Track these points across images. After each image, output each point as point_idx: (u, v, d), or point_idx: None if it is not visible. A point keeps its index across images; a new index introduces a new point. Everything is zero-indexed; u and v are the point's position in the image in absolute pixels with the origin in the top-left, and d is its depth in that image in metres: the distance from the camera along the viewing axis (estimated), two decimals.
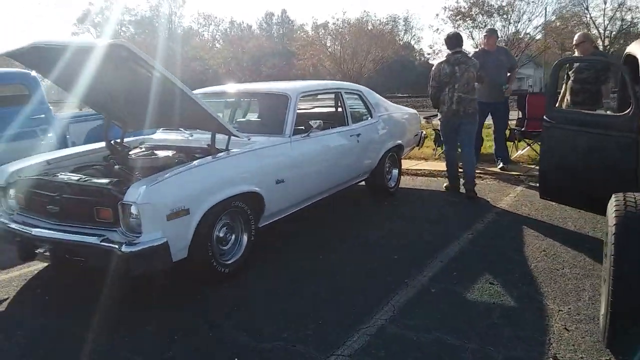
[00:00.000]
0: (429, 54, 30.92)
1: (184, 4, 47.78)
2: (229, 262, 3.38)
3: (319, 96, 5.25)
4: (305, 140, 4.11)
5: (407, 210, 5.03)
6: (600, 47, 27.04)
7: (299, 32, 38.74)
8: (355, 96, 5.17)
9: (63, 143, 5.89)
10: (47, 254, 3.07)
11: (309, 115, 4.95)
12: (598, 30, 26.98)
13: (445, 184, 5.76)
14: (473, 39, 23.66)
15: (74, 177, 3.28)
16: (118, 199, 2.91)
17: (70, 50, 3.03)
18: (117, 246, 2.76)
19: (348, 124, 4.79)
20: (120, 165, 3.57)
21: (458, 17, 23.07)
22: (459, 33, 5.35)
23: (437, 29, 26.41)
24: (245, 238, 3.51)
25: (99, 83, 3.53)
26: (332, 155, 4.45)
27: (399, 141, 5.61)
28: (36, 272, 3.74)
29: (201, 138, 4.17)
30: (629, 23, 31.38)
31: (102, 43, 2.80)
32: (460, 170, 5.54)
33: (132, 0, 63.65)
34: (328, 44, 29.07)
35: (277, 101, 4.28)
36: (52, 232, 3.06)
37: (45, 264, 3.70)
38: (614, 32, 32.10)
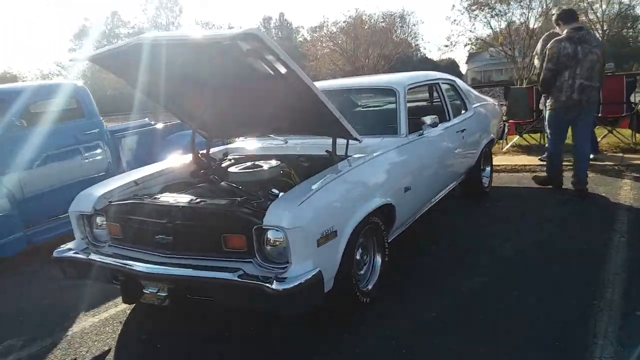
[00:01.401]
0: (424, 48, 30.31)
1: (181, 14, 47.39)
2: (367, 289, 2.83)
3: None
4: (421, 139, 3.56)
5: (518, 212, 4.45)
6: (600, 32, 26.25)
7: (301, 33, 38.30)
8: (449, 86, 4.61)
9: (116, 158, 5.36)
10: (162, 294, 2.53)
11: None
12: (596, 15, 26.28)
13: (536, 178, 5.19)
14: (492, 28, 23.05)
15: (184, 198, 2.73)
16: (253, 223, 2.37)
17: (183, 46, 2.50)
18: (265, 283, 2.21)
19: (449, 119, 4.23)
20: (227, 182, 3.03)
21: (475, 7, 22.44)
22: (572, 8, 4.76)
23: (455, 20, 25.67)
24: (379, 259, 2.96)
25: (200, 84, 3.01)
26: (443, 155, 3.89)
27: (492, 135, 5.05)
28: (127, 310, 3.21)
29: (301, 144, 3.64)
30: (627, 6, 30.70)
31: (231, 33, 2.25)
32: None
33: (129, 12, 63.24)
34: (339, 41, 28.51)
35: (383, 96, 3.74)
36: (169, 267, 2.51)
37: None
38: (611, 17, 31.43)
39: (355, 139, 3.06)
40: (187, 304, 2.65)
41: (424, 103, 4.69)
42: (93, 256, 2.84)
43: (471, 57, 46.97)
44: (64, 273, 3.03)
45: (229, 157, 3.76)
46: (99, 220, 3.02)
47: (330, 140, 3.24)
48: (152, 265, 2.54)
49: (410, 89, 3.80)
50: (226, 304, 2.62)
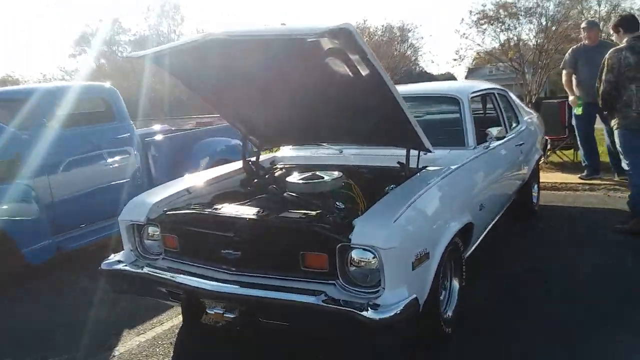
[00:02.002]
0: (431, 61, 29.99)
1: (183, 22, 47.46)
2: (448, 316, 2.59)
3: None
4: (488, 152, 3.34)
5: (573, 235, 4.23)
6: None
7: None
8: (502, 97, 4.39)
9: (145, 165, 5.13)
10: (230, 315, 2.29)
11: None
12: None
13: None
14: (500, 42, 22.98)
15: (250, 210, 2.49)
16: (338, 241, 2.14)
17: (257, 43, 2.28)
18: (358, 311, 1.97)
19: (507, 132, 4.02)
20: (291, 193, 2.79)
21: (484, 21, 22.39)
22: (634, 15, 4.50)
23: (464, 34, 25.55)
24: (456, 283, 2.72)
25: (263, 86, 2.79)
26: (507, 169, 3.67)
27: (540, 150, 4.84)
28: (176, 330, 2.95)
29: (358, 154, 3.41)
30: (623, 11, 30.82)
31: (320, 28, 2.03)
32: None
33: (130, 20, 63.37)
34: None
35: (443, 105, 3.53)
36: (240, 287, 2.26)
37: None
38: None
39: (428, 150, 2.83)
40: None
41: (477, 113, 4.48)
42: (147, 270, 2.60)
43: (471, 72, 46.86)
44: (112, 287, 2.78)
45: (278, 166, 3.53)
46: (151, 230, 2.78)
47: (391, 151, 3.05)
48: (221, 284, 2.29)
49: (473, 97, 3.59)
50: (304, 330, 2.37)
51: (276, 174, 3.32)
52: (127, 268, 2.66)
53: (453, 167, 2.83)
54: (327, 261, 2.17)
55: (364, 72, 2.29)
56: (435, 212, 2.42)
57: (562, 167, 7.08)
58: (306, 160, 3.55)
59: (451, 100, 3.50)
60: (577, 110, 6.00)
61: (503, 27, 22.19)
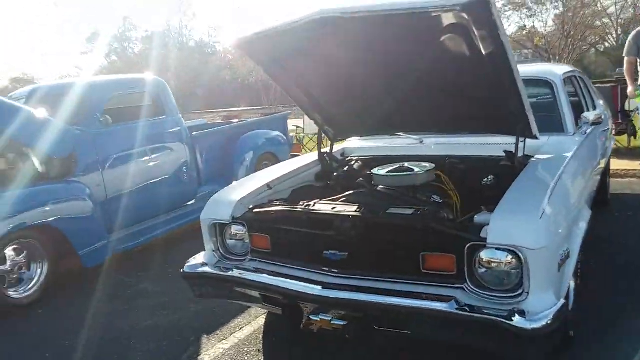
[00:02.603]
0: None
1: (194, 17, 47.26)
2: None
3: None
4: (588, 138, 3.07)
5: None
6: (614, 35, 25.29)
7: None
8: (582, 80, 4.08)
9: (194, 159, 4.92)
10: (339, 322, 2.06)
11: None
12: (610, 19, 25.39)
13: None
14: (525, 27, 22.47)
15: (351, 207, 2.25)
16: (466, 240, 1.90)
17: (380, 19, 2.04)
18: (505, 319, 1.73)
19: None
20: (387, 187, 2.55)
21: (508, 8, 21.88)
22: None
23: None
24: (572, 282, 2.46)
25: (355, 70, 2.56)
26: (600, 157, 3.40)
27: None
28: (260, 335, 2.75)
29: (441, 143, 3.16)
30: None
31: (454, 1, 1.79)
32: None
33: (142, 16, 63.41)
34: None
35: (537, 88, 3.26)
36: (354, 293, 2.03)
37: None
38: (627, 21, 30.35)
39: (535, 137, 2.57)
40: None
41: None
42: (237, 273, 2.39)
43: None
44: (196, 291, 2.58)
45: (352, 158, 3.29)
46: (234, 229, 2.56)
47: (481, 139, 2.82)
48: (333, 290, 2.06)
49: (564, 80, 3.31)
50: (428, 339, 2.15)
51: (355, 167, 3.08)
52: (214, 271, 2.45)
53: (567, 154, 2.56)
54: (454, 263, 1.94)
55: (487, 50, 2.05)
56: (569, 205, 2.16)
57: (617, 153, 6.74)
58: (383, 151, 3.30)
59: (544, 83, 3.23)
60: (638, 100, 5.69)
61: (529, 13, 21.76)
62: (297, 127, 9.77)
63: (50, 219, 3.43)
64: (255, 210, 2.48)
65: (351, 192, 2.57)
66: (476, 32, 1.98)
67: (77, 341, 2.86)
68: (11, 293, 3.29)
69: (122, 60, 41.04)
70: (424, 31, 2.11)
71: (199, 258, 2.62)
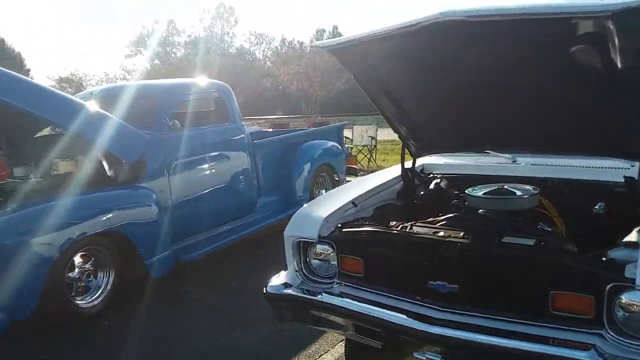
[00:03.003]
0: None
1: (236, 24, 48.16)
2: None
3: None
4: None
5: None
6: None
7: None
8: None
9: (255, 169, 4.80)
10: None
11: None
12: None
13: None
14: None
15: (455, 233, 2.04)
16: (608, 280, 1.65)
17: (509, 24, 1.84)
18: None
19: None
20: (482, 210, 2.33)
21: None
22: None
23: None
24: None
25: (465, 79, 2.36)
26: None
27: None
28: None
29: (537, 164, 2.90)
30: None
31: (611, 6, 1.57)
32: None
33: (185, 21, 65.17)
34: None
35: None
36: (472, 333, 1.81)
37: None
38: None
39: None
40: None
41: None
42: (327, 298, 2.21)
43: None
44: (278, 315, 2.41)
45: (434, 174, 3.08)
46: (319, 249, 2.39)
47: (587, 162, 2.56)
48: (443, 328, 1.85)
49: None
50: None
51: (441, 185, 2.87)
52: (302, 295, 2.28)
53: None
54: (592, 305, 1.69)
55: (625, 63, 1.82)
56: None
57: None
58: (468, 169, 3.07)
59: None
60: None
61: None
62: (347, 137, 9.56)
63: (120, 226, 3.36)
64: (344, 230, 2.30)
65: (450, 215, 2.35)
66: (617, 43, 1.75)
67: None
68: (78, 301, 3.21)
69: (164, 64, 42.18)
70: (553, 39, 1.90)
71: (280, 278, 2.46)
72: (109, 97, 4.18)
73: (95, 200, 3.30)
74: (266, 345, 2.79)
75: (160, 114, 3.93)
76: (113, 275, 3.39)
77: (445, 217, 2.33)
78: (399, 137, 3.00)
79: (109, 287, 3.37)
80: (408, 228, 2.18)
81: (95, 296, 3.31)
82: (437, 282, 1.95)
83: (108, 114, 3.62)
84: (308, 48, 56.12)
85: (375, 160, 9.77)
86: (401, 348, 2.00)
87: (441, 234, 2.06)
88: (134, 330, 3.11)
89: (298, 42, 58.14)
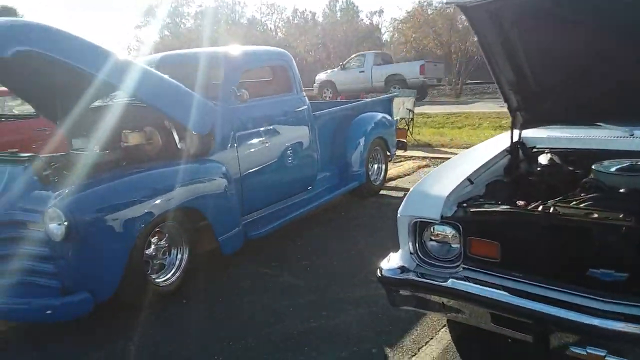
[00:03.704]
0: None
1: None
2: None
3: None
4: None
5: None
6: None
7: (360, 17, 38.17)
8: None
9: (315, 142, 4.58)
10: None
11: None
12: None
13: None
14: None
15: (614, 215, 1.82)
16: None
17: None
18: None
19: None
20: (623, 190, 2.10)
21: None
22: None
23: None
24: None
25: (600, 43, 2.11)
26: None
27: None
28: (449, 349, 2.39)
29: None
30: None
31: None
32: None
33: None
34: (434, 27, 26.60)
35: None
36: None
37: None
38: None
39: None
40: None
41: None
42: (460, 285, 2.02)
43: None
44: (394, 300, 2.24)
45: (540, 149, 2.84)
46: (438, 230, 2.19)
47: None
48: (614, 322, 1.65)
49: None
50: None
51: (556, 161, 2.63)
52: (427, 281, 2.09)
53: None
54: None
55: None
56: None
57: None
58: (578, 143, 2.83)
59: None
60: None
61: None
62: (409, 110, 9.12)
63: (195, 201, 3.18)
64: (473, 210, 2.09)
65: (593, 194, 2.13)
66: None
67: (242, 342, 2.59)
68: (156, 279, 3.07)
69: (174, 36, 41.51)
70: None
71: (393, 260, 2.27)
72: (172, 66, 3.96)
73: (173, 174, 3.11)
74: (362, 329, 2.62)
75: (227, 84, 3.69)
76: (187, 252, 3.24)
77: (588, 196, 2.10)
78: (508, 107, 2.76)
79: (183, 264, 3.22)
80: (551, 209, 1.96)
81: (171, 273, 3.17)
82: (601, 270, 1.75)
83: (178, 83, 3.39)
84: (321, 18, 55.10)
85: (411, 134, 9.49)
86: (551, 341, 1.81)
87: (595, 215, 1.85)
88: (215, 310, 2.97)
89: (310, 12, 56.93)
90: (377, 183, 5.47)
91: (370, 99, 5.91)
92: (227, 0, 49.59)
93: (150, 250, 3.06)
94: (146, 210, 2.85)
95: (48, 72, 3.11)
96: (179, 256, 3.23)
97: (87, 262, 2.66)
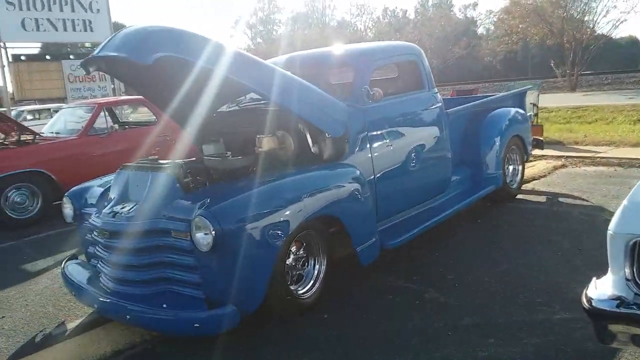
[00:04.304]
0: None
1: None
2: None
3: None
4: None
5: None
6: None
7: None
8: None
9: (448, 142, 4.16)
10: None
11: None
12: None
13: None
14: None
15: None
16: None
17: None
18: None
19: None
20: None
21: None
22: None
23: None
24: None
25: None
26: None
27: None
28: None
29: None
30: None
31: None
32: None
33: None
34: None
35: None
36: None
37: None
38: None
39: None
40: None
41: None
42: None
43: None
44: (603, 336, 1.80)
45: None
46: None
47: None
48: None
49: None
50: None
51: None
52: None
53: None
54: None
55: None
56: None
57: None
58: None
59: None
60: None
61: None
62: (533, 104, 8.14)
63: (335, 208, 2.96)
64: None
65: None
66: None
67: None
68: (296, 291, 2.89)
69: (266, 43, 42.84)
70: None
71: (603, 287, 1.83)
72: (297, 67, 3.79)
73: (312, 180, 2.93)
74: None
75: (359, 82, 3.44)
76: (325, 263, 3.03)
77: None
78: None
79: (321, 275, 3.01)
80: None
81: (309, 285, 2.97)
82: None
83: (308, 83, 3.19)
84: (412, 15, 53.72)
85: None
86: None
87: None
88: (360, 328, 2.71)
89: (401, 10, 55.78)
90: (514, 186, 4.91)
91: (504, 94, 5.33)
92: (318, 5, 50.41)
93: (290, 260, 2.88)
94: (289, 218, 2.67)
95: (180, 77, 3.07)
96: (317, 267, 3.02)
97: (234, 273, 2.53)
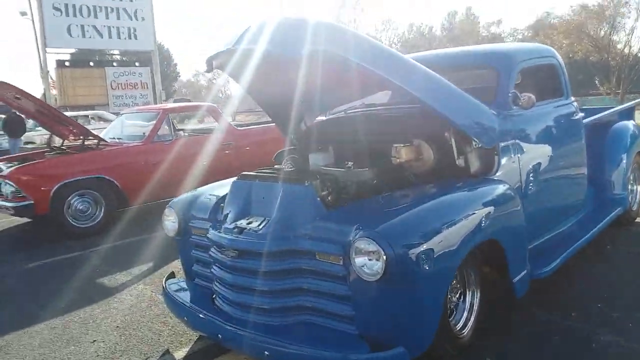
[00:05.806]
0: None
1: (363, 12, 47.38)
2: None
3: None
4: None
5: None
6: None
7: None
8: None
9: (585, 154, 3.67)
10: None
11: None
12: None
13: None
14: None
15: None
16: None
17: None
18: None
19: None
20: None
21: None
22: None
23: None
24: None
25: None
26: None
27: None
28: None
29: None
30: None
31: None
32: None
33: (313, 10, 65.71)
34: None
35: None
36: None
37: None
38: None
39: None
40: None
41: None
42: None
43: None
44: None
45: None
46: None
47: None
48: None
49: None
50: None
51: None
52: None
53: None
54: None
55: None
56: None
57: None
58: None
59: None
60: None
61: None
62: None
63: (495, 231, 2.51)
64: None
65: None
66: None
67: None
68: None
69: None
70: None
71: None
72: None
73: (478, 199, 2.50)
74: None
75: (504, 87, 3.01)
76: (479, 295, 2.58)
77: None
78: None
79: (475, 309, 2.57)
80: None
81: (463, 321, 2.53)
82: None
83: (454, 86, 2.77)
84: (438, 32, 53.09)
85: None
86: None
87: None
88: None
89: (426, 25, 55.32)
90: (635, 208, 4.41)
91: (628, 104, 4.81)
92: (344, 19, 50.44)
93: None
94: (462, 243, 2.24)
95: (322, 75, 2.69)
96: (469, 300, 2.58)
97: (402, 307, 2.10)
